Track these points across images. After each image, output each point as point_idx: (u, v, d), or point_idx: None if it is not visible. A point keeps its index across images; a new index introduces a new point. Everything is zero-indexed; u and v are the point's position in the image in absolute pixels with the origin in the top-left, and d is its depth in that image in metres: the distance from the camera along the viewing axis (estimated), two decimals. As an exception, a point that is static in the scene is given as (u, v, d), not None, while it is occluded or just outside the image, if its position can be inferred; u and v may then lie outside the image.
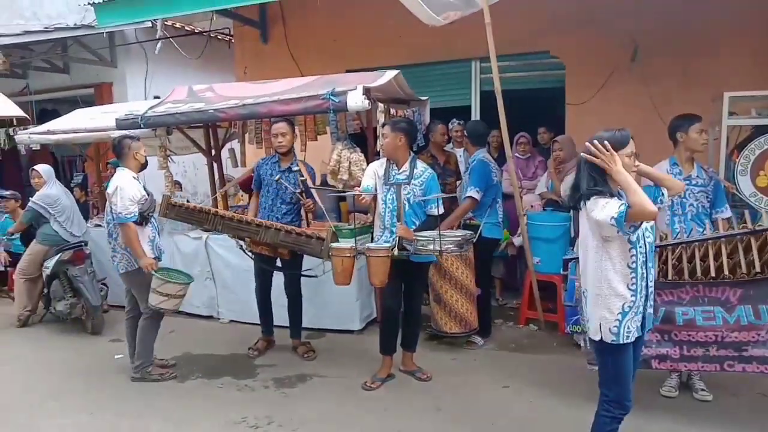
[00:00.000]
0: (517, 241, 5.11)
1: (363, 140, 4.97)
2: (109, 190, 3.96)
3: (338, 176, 4.43)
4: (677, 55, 5.39)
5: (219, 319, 5.41)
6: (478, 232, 4.07)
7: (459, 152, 5.94)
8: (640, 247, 2.39)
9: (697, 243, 3.26)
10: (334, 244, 3.77)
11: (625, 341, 2.40)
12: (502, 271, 5.52)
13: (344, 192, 4.19)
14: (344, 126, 4.88)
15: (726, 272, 3.05)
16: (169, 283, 3.96)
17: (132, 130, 4.87)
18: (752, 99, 4.23)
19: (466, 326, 4.37)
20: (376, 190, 3.80)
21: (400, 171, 3.80)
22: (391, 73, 4.62)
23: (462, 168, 5.27)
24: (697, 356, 3.16)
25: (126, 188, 3.90)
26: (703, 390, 3.54)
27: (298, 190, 4.25)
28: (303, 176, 4.27)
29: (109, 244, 4.11)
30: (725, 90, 4.22)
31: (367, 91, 4.23)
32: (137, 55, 8.20)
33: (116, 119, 5.04)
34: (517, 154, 5.96)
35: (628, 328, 2.39)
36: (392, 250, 3.61)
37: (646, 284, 2.43)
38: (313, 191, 4.26)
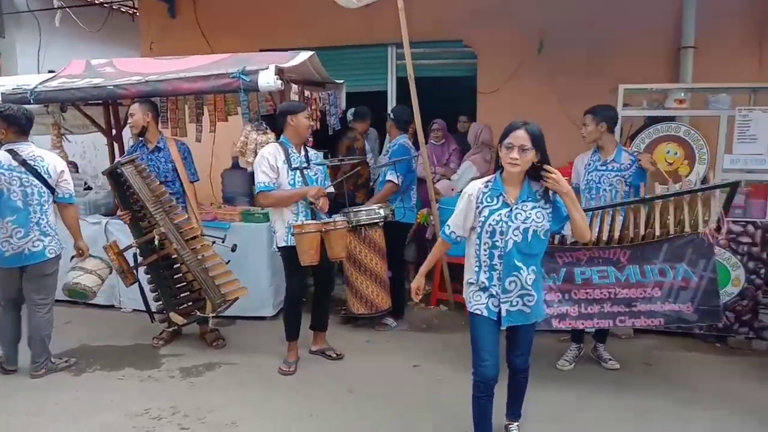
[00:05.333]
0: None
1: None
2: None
3: (245, 158, 4.30)
4: (580, 50, 5.68)
5: (120, 308, 5.11)
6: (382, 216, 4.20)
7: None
8: (485, 240, 2.59)
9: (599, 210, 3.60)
10: (300, 222, 3.67)
11: (471, 310, 2.69)
12: (414, 255, 5.63)
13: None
14: (257, 107, 4.73)
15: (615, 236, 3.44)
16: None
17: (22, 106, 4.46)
18: (644, 91, 4.54)
19: (372, 308, 4.41)
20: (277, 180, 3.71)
21: (300, 154, 3.82)
22: (305, 54, 4.54)
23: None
24: (594, 313, 3.48)
25: None
26: (610, 359, 3.82)
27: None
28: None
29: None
30: (622, 83, 4.50)
31: (280, 71, 4.14)
32: (29, 25, 7.50)
33: (2, 93, 4.60)
34: (432, 141, 6.08)
35: (470, 299, 2.69)
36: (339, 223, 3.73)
37: (500, 274, 2.58)
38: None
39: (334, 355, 4.00)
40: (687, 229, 3.39)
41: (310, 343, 4.08)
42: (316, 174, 3.84)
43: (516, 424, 2.98)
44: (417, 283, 2.87)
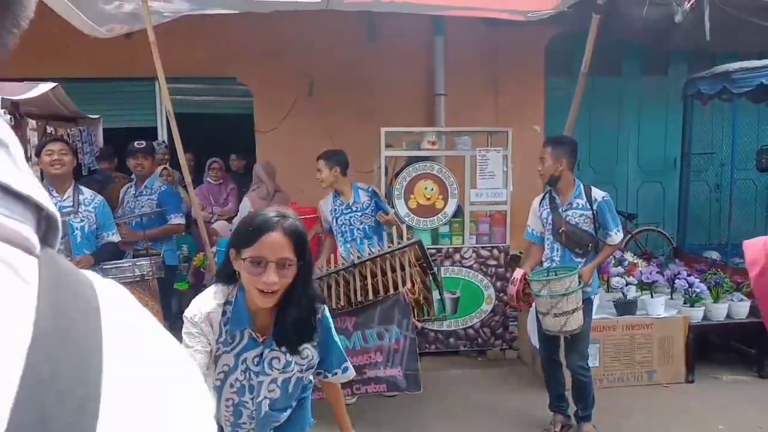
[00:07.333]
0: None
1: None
2: None
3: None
4: (349, 92, 6.02)
5: None
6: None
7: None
8: (229, 396, 1.73)
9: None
10: None
11: None
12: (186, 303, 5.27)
13: None
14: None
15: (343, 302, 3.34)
16: None
17: None
18: (404, 134, 4.97)
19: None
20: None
21: (64, 198, 3.34)
22: (46, 86, 4.03)
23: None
24: None
25: None
26: None
27: None
28: None
29: None
30: (388, 125, 4.83)
31: (13, 105, 3.58)
32: None
33: None
34: (209, 180, 5.84)
35: None
36: None
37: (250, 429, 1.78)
38: None
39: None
40: (391, 290, 3.31)
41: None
42: (82, 220, 3.37)
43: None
44: None
